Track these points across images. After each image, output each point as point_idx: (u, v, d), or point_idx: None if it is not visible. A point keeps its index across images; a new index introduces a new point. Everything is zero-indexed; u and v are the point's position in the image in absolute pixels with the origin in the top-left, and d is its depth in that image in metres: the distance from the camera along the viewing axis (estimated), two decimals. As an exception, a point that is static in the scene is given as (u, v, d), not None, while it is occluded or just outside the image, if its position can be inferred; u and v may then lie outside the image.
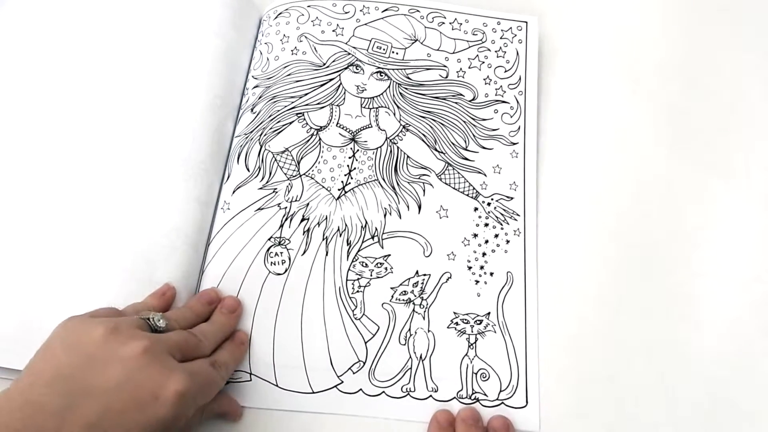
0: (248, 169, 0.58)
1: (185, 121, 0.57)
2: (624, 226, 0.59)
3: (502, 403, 0.52)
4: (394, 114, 0.61)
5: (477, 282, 0.56)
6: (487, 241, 0.57)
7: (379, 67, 0.63)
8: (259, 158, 0.59)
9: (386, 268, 0.56)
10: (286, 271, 0.55)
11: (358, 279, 0.56)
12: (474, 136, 0.61)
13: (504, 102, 0.62)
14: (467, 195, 0.59)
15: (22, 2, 0.62)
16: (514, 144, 0.61)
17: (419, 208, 0.58)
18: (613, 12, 0.68)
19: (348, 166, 0.59)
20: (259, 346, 0.53)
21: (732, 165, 0.61)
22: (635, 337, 0.55)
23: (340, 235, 0.57)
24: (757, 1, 0.69)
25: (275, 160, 0.59)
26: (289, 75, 0.62)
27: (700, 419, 0.53)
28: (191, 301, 0.52)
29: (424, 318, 0.55)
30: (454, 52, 0.64)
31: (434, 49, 0.64)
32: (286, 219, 0.57)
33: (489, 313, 0.55)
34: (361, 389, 0.53)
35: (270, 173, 0.58)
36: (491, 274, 0.56)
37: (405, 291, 0.55)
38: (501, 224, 0.58)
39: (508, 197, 0.59)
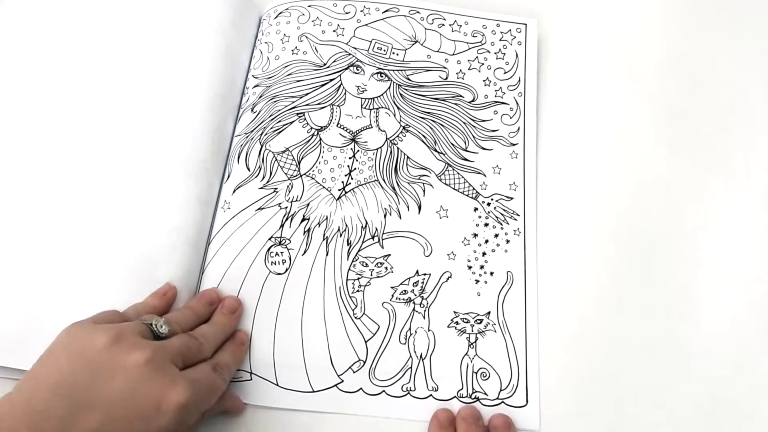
0: (249, 169, 0.58)
1: (185, 120, 0.57)
2: (624, 226, 0.59)
3: (503, 402, 0.52)
4: (395, 115, 0.61)
5: (477, 281, 0.56)
6: (487, 241, 0.57)
7: (379, 68, 0.63)
8: (259, 158, 0.59)
9: (386, 268, 0.56)
10: (286, 270, 0.55)
11: (358, 278, 0.56)
12: (474, 137, 0.61)
13: (503, 103, 0.62)
14: (467, 195, 0.59)
15: (22, 1, 0.62)
16: (514, 145, 0.61)
17: (419, 208, 0.58)
18: (613, 12, 0.68)
19: (348, 166, 0.59)
20: (259, 345, 0.53)
21: (732, 165, 0.61)
22: (635, 336, 0.55)
23: (341, 235, 0.57)
24: (757, 1, 0.69)
25: (276, 159, 0.59)
26: (289, 75, 0.62)
27: (700, 419, 0.53)
28: (192, 302, 0.52)
29: (424, 317, 0.55)
30: (453, 54, 0.64)
31: (434, 50, 0.64)
32: (287, 219, 0.57)
33: (489, 313, 0.55)
34: (361, 388, 0.53)
35: (270, 173, 0.58)
36: (491, 273, 0.56)
37: (405, 290, 0.55)
38: (501, 224, 0.58)
39: (507, 197, 0.59)
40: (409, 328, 0.54)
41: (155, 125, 0.57)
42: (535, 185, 0.60)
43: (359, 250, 0.57)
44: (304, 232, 0.57)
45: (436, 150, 0.60)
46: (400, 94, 0.62)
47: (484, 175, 0.59)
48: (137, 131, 0.57)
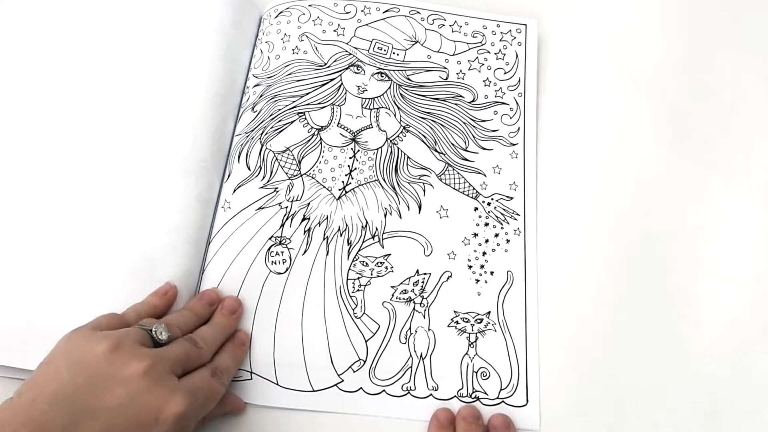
0: (249, 168, 0.58)
1: (186, 119, 0.57)
2: (624, 226, 0.59)
3: (503, 401, 0.52)
4: (395, 115, 0.61)
5: (477, 281, 0.56)
6: (487, 241, 0.57)
7: (379, 68, 0.63)
8: (260, 157, 0.59)
9: (386, 267, 0.56)
10: (286, 270, 0.55)
11: (358, 278, 0.56)
12: (474, 137, 0.61)
13: (503, 103, 0.62)
14: (467, 195, 0.59)
15: (22, 1, 0.62)
16: (514, 145, 0.61)
17: (419, 208, 0.58)
18: (613, 12, 0.68)
19: (349, 166, 0.59)
20: (259, 345, 0.53)
21: (732, 165, 0.62)
22: (635, 336, 0.55)
23: (341, 234, 0.57)
24: (757, 1, 0.69)
25: (276, 159, 0.59)
26: (290, 74, 0.62)
27: (700, 419, 0.53)
28: (192, 303, 0.52)
29: (424, 317, 0.55)
30: (454, 54, 0.64)
31: (434, 50, 0.64)
32: (287, 218, 0.57)
33: (489, 312, 0.55)
34: (361, 388, 0.53)
35: (271, 172, 0.58)
36: (491, 273, 0.56)
37: (405, 290, 0.55)
38: (501, 224, 0.58)
39: (508, 197, 0.59)
40: (410, 328, 0.54)
41: (155, 124, 0.57)
42: (535, 185, 0.60)
43: (359, 250, 0.57)
44: (305, 232, 0.57)
45: (436, 150, 0.60)
46: (401, 94, 0.62)
47: (484, 175, 0.60)
48: (137, 130, 0.57)
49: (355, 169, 0.59)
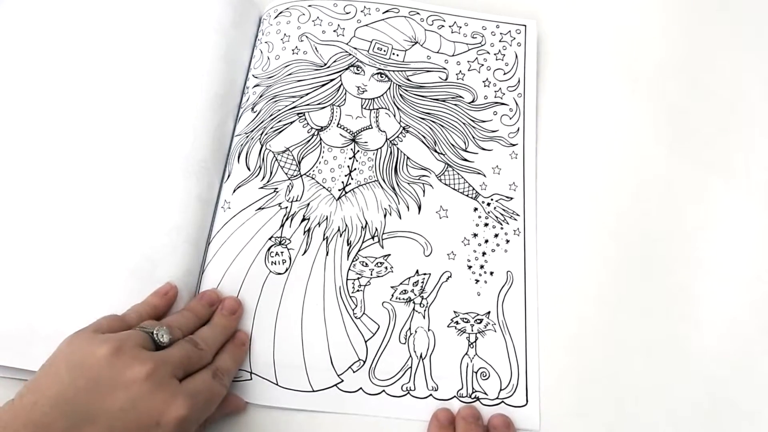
0: (249, 169, 0.58)
1: (186, 119, 0.57)
2: (624, 226, 0.59)
3: (503, 402, 0.52)
4: (395, 115, 0.61)
5: (477, 281, 0.56)
6: (487, 241, 0.57)
7: (379, 69, 0.63)
8: (259, 157, 0.59)
9: (386, 268, 0.56)
10: (286, 270, 0.55)
11: (358, 278, 0.56)
12: (473, 137, 0.61)
13: (503, 104, 0.63)
14: (467, 195, 0.59)
15: (22, 1, 0.62)
16: (514, 145, 0.61)
17: (419, 208, 0.58)
18: (613, 12, 0.69)
19: (348, 166, 0.59)
20: (259, 345, 0.53)
21: (732, 165, 0.62)
22: (635, 336, 0.55)
23: (341, 235, 0.57)
24: (757, 1, 0.69)
25: (276, 159, 0.59)
26: (290, 74, 0.62)
27: (700, 419, 0.53)
28: (192, 303, 0.52)
29: (424, 317, 0.55)
30: (453, 55, 0.64)
31: (434, 51, 0.64)
32: (287, 219, 0.57)
33: (489, 312, 0.55)
34: (361, 388, 0.53)
35: (271, 173, 0.58)
36: (491, 273, 0.56)
37: (405, 290, 0.55)
38: (501, 224, 0.58)
39: (507, 197, 0.59)
40: (409, 328, 0.54)
41: (156, 124, 0.57)
42: (534, 185, 0.60)
43: (359, 250, 0.57)
44: (305, 232, 0.57)
45: (436, 150, 0.60)
46: (400, 95, 0.62)
47: (484, 176, 0.60)
48: (137, 130, 0.57)
49: (355, 169, 0.59)
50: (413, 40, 0.64)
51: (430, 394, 0.53)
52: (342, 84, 0.62)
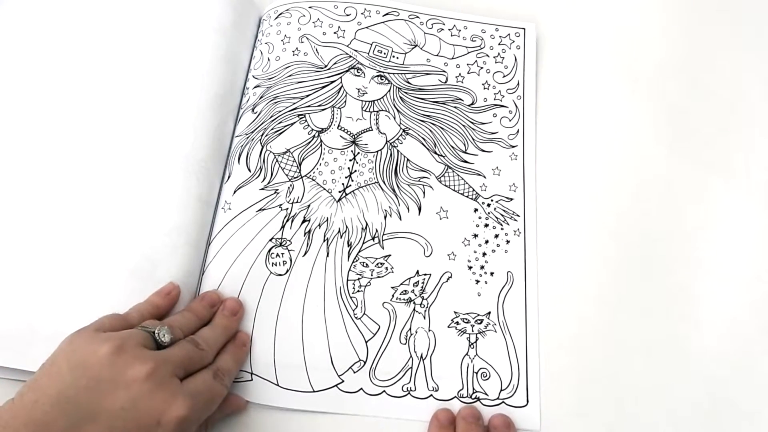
0: (249, 170, 0.58)
1: (186, 119, 0.57)
2: (624, 226, 0.59)
3: (503, 402, 0.52)
4: (395, 118, 0.62)
5: (477, 282, 0.56)
6: (487, 242, 0.57)
7: (379, 71, 0.63)
8: (260, 159, 0.59)
9: (387, 268, 0.56)
10: (287, 271, 0.55)
11: (358, 279, 0.56)
12: (473, 139, 0.61)
13: (503, 106, 0.63)
14: (467, 196, 0.59)
15: (22, 1, 0.62)
16: (513, 147, 0.61)
17: (419, 209, 0.58)
18: (612, 13, 0.69)
19: (349, 168, 0.59)
20: (260, 346, 0.53)
21: (732, 165, 0.62)
22: (635, 336, 0.55)
23: (341, 236, 0.57)
24: (757, 1, 0.69)
25: (276, 161, 0.59)
26: (290, 76, 0.62)
27: (700, 419, 0.53)
28: (193, 304, 0.52)
29: (424, 317, 0.55)
30: (453, 58, 0.64)
31: (434, 54, 0.64)
32: (288, 220, 0.57)
33: (489, 313, 0.55)
34: (361, 388, 0.53)
35: (271, 174, 0.58)
36: (491, 273, 0.56)
37: (405, 290, 0.55)
38: (501, 225, 0.58)
39: (507, 198, 0.59)
40: (410, 328, 0.54)
41: (156, 124, 0.57)
42: (534, 186, 0.60)
43: (360, 251, 0.57)
44: (305, 234, 0.57)
45: (435, 152, 0.60)
46: (400, 98, 0.62)
47: (484, 177, 0.60)
48: (138, 130, 0.57)
49: (355, 171, 0.59)
50: (413, 43, 0.65)
51: (431, 395, 0.53)
52: (342, 86, 0.62)
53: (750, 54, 0.67)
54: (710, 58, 0.67)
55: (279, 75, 0.62)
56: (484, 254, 0.57)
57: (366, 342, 0.54)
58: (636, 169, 0.61)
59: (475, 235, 0.58)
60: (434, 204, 0.59)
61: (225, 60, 0.61)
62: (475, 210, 0.58)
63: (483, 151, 0.61)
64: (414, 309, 0.55)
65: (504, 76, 0.64)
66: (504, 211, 0.59)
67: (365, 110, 0.62)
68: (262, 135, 0.60)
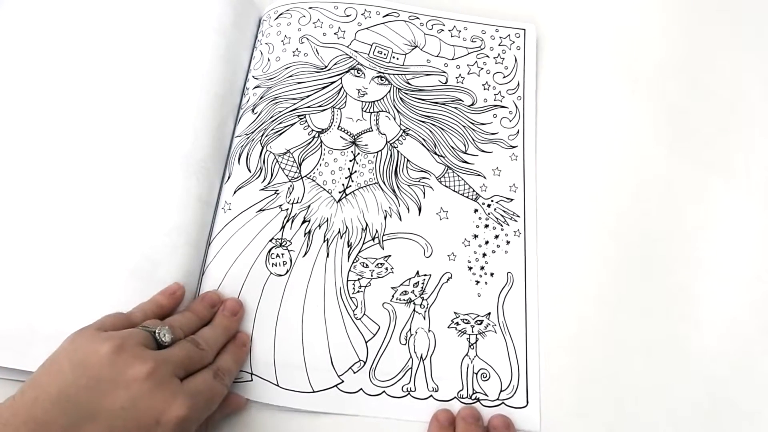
0: (249, 170, 0.58)
1: (186, 119, 0.57)
2: (624, 226, 0.59)
3: (503, 403, 0.52)
4: (395, 118, 0.62)
5: (477, 282, 0.56)
6: (487, 242, 0.57)
7: (379, 72, 0.63)
8: (260, 159, 0.59)
9: (387, 269, 0.56)
10: (287, 272, 0.55)
11: (358, 279, 0.56)
12: (473, 139, 0.61)
13: (503, 107, 0.63)
14: (467, 197, 0.59)
15: (23, 1, 0.62)
16: (514, 147, 0.61)
17: (419, 210, 0.58)
18: (611, 14, 0.69)
19: (349, 168, 0.59)
20: (260, 346, 0.53)
21: (732, 165, 0.62)
22: (635, 336, 0.55)
23: (341, 237, 0.57)
24: (757, 1, 0.69)
25: (277, 161, 0.59)
26: (290, 76, 0.62)
27: (700, 419, 0.53)
28: (194, 304, 0.52)
29: (424, 318, 0.55)
30: (453, 59, 0.65)
31: (434, 55, 0.64)
32: (288, 220, 0.57)
33: (489, 314, 0.55)
34: (361, 389, 0.53)
35: (271, 174, 0.58)
36: (491, 274, 0.56)
37: (405, 291, 0.55)
38: (501, 225, 0.58)
39: (508, 199, 0.59)
40: (410, 329, 0.54)
41: (156, 124, 0.57)
42: (535, 187, 0.60)
43: (360, 252, 0.57)
44: (305, 234, 0.57)
45: (436, 153, 0.60)
46: (400, 98, 0.62)
47: (484, 177, 0.60)
48: (138, 130, 0.57)
49: (356, 171, 0.59)
50: (413, 44, 0.65)
51: (431, 395, 0.53)
52: (342, 87, 0.62)
53: (750, 54, 0.67)
54: (710, 58, 0.67)
55: (279, 75, 0.62)
56: (484, 255, 0.57)
57: (366, 342, 0.54)
58: (636, 169, 0.61)
59: (475, 236, 0.58)
60: (434, 204, 0.59)
61: (225, 60, 0.61)
62: (475, 210, 0.59)
63: (483, 151, 0.61)
64: (414, 309, 0.55)
65: (504, 77, 0.64)
66: (504, 211, 0.59)
67: (365, 111, 0.62)
68: (262, 135, 0.60)
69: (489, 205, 0.59)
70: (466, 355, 0.54)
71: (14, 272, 0.52)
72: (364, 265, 0.56)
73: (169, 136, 0.57)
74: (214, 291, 0.54)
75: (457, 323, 0.55)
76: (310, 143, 0.60)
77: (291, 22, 0.65)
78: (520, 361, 0.54)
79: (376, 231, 0.57)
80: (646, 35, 0.68)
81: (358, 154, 0.60)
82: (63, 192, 0.54)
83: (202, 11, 0.61)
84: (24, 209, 0.54)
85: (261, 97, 0.61)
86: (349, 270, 0.56)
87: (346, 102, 0.62)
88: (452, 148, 0.61)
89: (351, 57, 0.64)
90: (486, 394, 0.53)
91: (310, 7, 0.65)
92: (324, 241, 0.57)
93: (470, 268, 0.56)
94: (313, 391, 0.52)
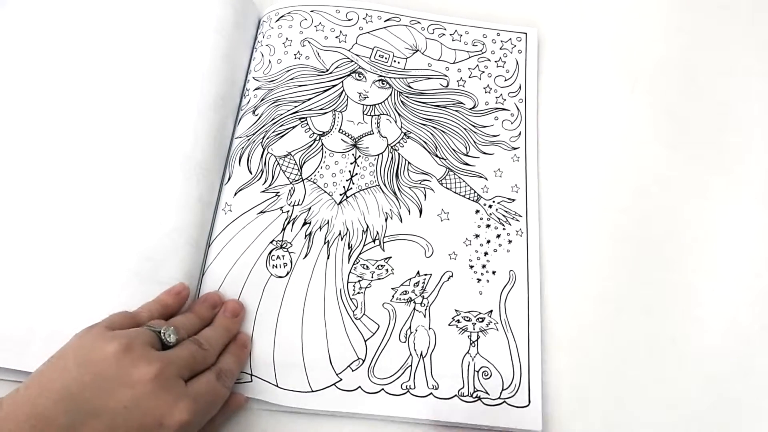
0: (250, 172, 0.59)
1: (187, 119, 0.57)
2: (625, 225, 0.59)
3: (504, 402, 0.52)
4: (396, 121, 0.62)
5: (479, 280, 0.56)
6: (488, 241, 0.57)
7: (381, 76, 0.63)
8: (261, 161, 0.59)
9: (387, 270, 0.56)
10: (287, 273, 0.55)
11: (359, 281, 0.55)
12: (474, 142, 0.61)
13: (504, 109, 0.63)
14: (468, 198, 0.59)
15: (23, 1, 0.62)
16: (515, 149, 0.61)
17: (420, 211, 0.58)
18: (612, 16, 0.69)
19: (350, 171, 0.59)
20: (260, 347, 0.53)
21: (732, 163, 0.62)
22: (636, 334, 0.55)
23: (342, 239, 0.57)
24: (757, 1, 0.70)
25: (278, 163, 0.59)
26: (292, 79, 0.62)
27: (701, 418, 0.52)
28: (195, 305, 0.52)
29: (424, 316, 0.54)
30: (454, 62, 0.65)
31: (435, 59, 0.65)
32: (288, 222, 0.57)
33: (491, 311, 0.55)
34: (359, 387, 0.52)
35: (272, 176, 0.59)
36: (493, 272, 0.56)
37: (406, 291, 0.55)
38: (503, 225, 0.58)
39: (509, 199, 0.59)
40: (410, 327, 0.54)
41: (157, 125, 0.57)
42: (537, 187, 0.60)
43: (360, 253, 0.56)
44: (306, 236, 0.57)
45: (437, 155, 0.60)
46: (402, 102, 0.62)
47: (486, 179, 0.60)
48: (138, 131, 0.57)
49: (356, 174, 0.59)
50: (414, 48, 0.65)
51: (431, 393, 0.52)
52: (344, 90, 0.63)
53: (750, 54, 0.67)
54: (710, 59, 0.67)
55: (280, 78, 0.63)
56: (486, 254, 0.57)
57: (365, 341, 0.53)
58: (636, 169, 0.61)
59: (477, 236, 0.57)
60: (435, 206, 0.58)
61: (225, 61, 0.61)
62: (477, 211, 0.58)
63: (484, 153, 0.61)
64: (414, 308, 0.55)
65: (506, 80, 0.64)
66: (506, 211, 0.58)
67: (366, 114, 0.62)
68: (263, 137, 0.60)
69: (490, 206, 0.59)
70: (467, 352, 0.53)
71: (15, 273, 0.52)
72: (365, 266, 0.56)
73: (169, 137, 0.57)
74: (215, 292, 0.54)
75: (458, 321, 0.54)
76: (311, 146, 0.60)
77: (292, 25, 0.65)
78: (522, 360, 0.53)
79: (377, 233, 0.57)
80: (646, 37, 0.68)
81: (359, 156, 0.60)
82: (63, 192, 0.54)
83: (202, 12, 0.62)
84: (25, 210, 0.54)
85: (262, 99, 0.62)
86: (350, 272, 0.56)
87: (347, 105, 0.62)
88: (453, 150, 0.61)
89: (352, 61, 0.64)
90: (487, 393, 0.52)
91: (311, 10, 0.66)
92: (325, 243, 0.56)
93: (471, 267, 0.56)
94: (312, 391, 0.52)
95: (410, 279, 0.56)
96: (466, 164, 0.60)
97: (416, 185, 0.59)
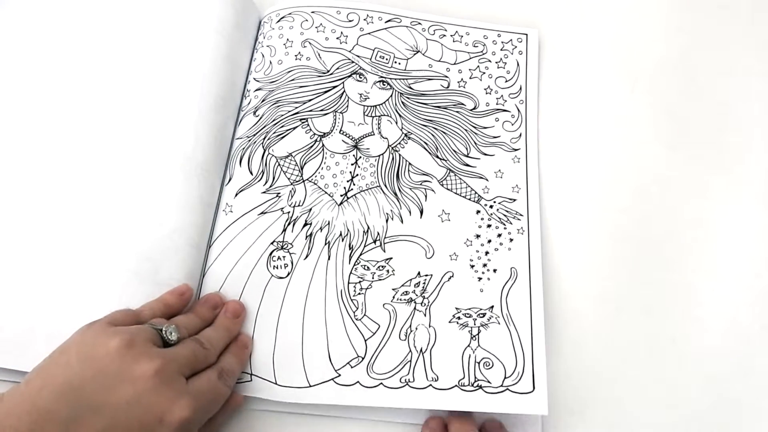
0: (251, 173, 0.59)
1: (188, 120, 0.57)
2: (625, 225, 0.59)
3: (507, 389, 0.51)
4: (396, 122, 0.62)
5: (480, 279, 0.56)
6: (489, 241, 0.57)
7: (381, 77, 0.64)
8: (262, 162, 0.59)
9: (388, 271, 0.56)
10: (288, 274, 0.55)
11: (359, 282, 0.56)
12: (475, 143, 0.61)
13: (505, 110, 0.63)
14: (469, 199, 0.59)
15: (24, 2, 0.62)
16: (516, 150, 0.61)
17: (421, 212, 0.58)
18: (613, 18, 0.69)
19: (351, 172, 0.60)
20: (260, 347, 0.53)
21: (732, 163, 0.62)
22: (636, 333, 0.55)
23: (342, 239, 0.57)
24: (757, 1, 0.70)
25: (278, 164, 0.59)
26: (292, 80, 0.62)
27: (700, 418, 0.52)
28: (196, 306, 0.52)
29: (425, 315, 0.54)
30: (455, 63, 0.65)
31: (436, 60, 0.65)
32: (289, 223, 0.57)
33: (492, 307, 0.54)
34: (358, 381, 0.52)
35: (273, 177, 0.59)
36: (494, 270, 0.56)
37: (406, 291, 0.55)
38: (504, 224, 0.58)
39: (510, 199, 0.59)
40: (410, 326, 0.54)
41: (158, 125, 0.57)
42: (537, 187, 0.60)
43: (361, 254, 0.56)
44: (306, 237, 0.57)
45: (437, 156, 0.61)
46: (402, 102, 0.63)
47: (486, 180, 0.60)
48: (139, 132, 0.57)
49: (357, 175, 0.59)
50: (415, 49, 0.65)
51: (430, 385, 0.51)
52: (344, 91, 0.63)
53: (750, 54, 0.67)
54: (710, 59, 0.67)
55: (281, 79, 0.63)
56: (487, 253, 0.57)
57: (365, 340, 0.53)
58: (636, 170, 0.62)
59: (477, 236, 0.57)
60: (436, 207, 0.59)
61: (226, 61, 0.61)
62: (478, 212, 0.58)
63: (485, 154, 0.61)
64: (414, 308, 0.54)
65: (506, 81, 0.64)
66: (507, 211, 0.58)
67: (367, 115, 0.62)
68: (264, 138, 0.60)
69: (491, 206, 0.59)
70: (468, 346, 0.53)
71: (16, 274, 0.52)
72: (366, 267, 0.56)
73: (170, 138, 0.57)
74: (216, 293, 0.54)
75: (459, 317, 0.54)
76: (312, 147, 0.60)
77: (293, 26, 0.65)
78: (525, 348, 0.53)
79: (378, 234, 0.57)
80: (646, 37, 0.68)
81: (360, 157, 0.60)
82: (64, 193, 0.54)
83: (203, 12, 0.62)
84: (26, 211, 0.54)
85: (263, 100, 0.62)
86: (351, 273, 0.56)
87: (348, 106, 0.62)
88: (454, 151, 0.61)
89: (353, 62, 0.64)
90: (489, 382, 0.51)
91: (312, 11, 0.66)
92: (325, 244, 0.57)
93: (472, 266, 0.56)
94: (310, 386, 0.52)
95: (411, 279, 0.56)
96: (467, 165, 0.60)
97: (417, 186, 0.59)
